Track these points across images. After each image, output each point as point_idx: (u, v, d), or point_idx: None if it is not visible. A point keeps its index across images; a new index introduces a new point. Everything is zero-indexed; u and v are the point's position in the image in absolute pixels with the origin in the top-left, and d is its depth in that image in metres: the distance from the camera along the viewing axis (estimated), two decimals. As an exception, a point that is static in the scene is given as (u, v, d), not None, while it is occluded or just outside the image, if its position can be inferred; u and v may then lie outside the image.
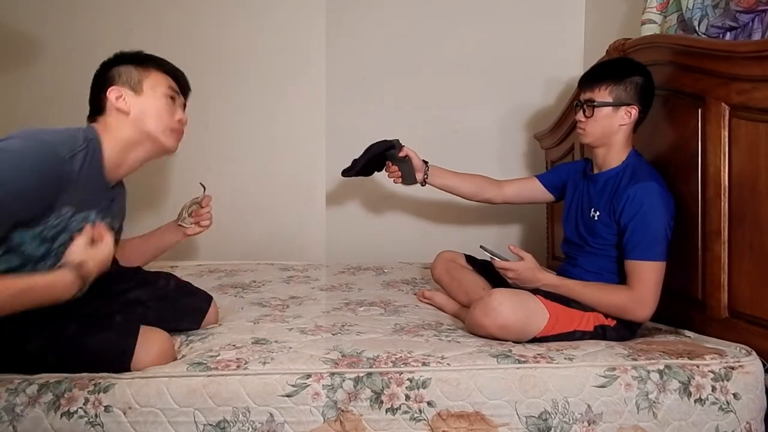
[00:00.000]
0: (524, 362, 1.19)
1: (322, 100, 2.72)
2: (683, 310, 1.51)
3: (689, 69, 1.49)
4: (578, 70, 2.28)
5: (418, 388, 1.13)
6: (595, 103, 1.54)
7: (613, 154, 1.58)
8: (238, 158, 2.78)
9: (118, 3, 2.77)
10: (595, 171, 1.64)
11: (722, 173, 1.37)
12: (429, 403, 1.13)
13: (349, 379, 1.14)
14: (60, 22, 2.77)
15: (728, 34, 1.63)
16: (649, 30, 1.89)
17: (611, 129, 1.55)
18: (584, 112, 1.57)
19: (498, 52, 2.69)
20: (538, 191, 1.86)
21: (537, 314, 1.38)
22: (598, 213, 1.55)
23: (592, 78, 1.58)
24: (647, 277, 1.40)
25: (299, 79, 2.72)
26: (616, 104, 1.53)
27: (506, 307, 1.36)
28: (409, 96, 2.72)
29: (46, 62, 2.78)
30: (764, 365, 1.23)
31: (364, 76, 2.71)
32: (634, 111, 1.53)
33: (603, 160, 1.60)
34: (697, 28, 1.68)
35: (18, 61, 2.79)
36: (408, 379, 1.14)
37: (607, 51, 1.89)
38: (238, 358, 1.20)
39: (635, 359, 1.22)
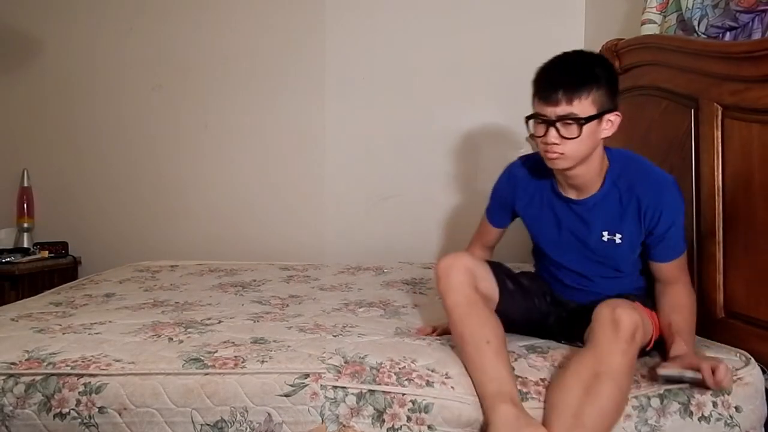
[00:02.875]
0: (526, 393, 1.15)
1: (322, 100, 2.73)
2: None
3: (682, 69, 1.49)
4: (578, 70, 2.28)
5: (420, 412, 1.12)
6: (582, 120, 1.21)
7: (594, 168, 1.31)
8: (238, 158, 2.79)
9: (117, 3, 2.77)
10: (576, 197, 1.36)
11: (716, 174, 1.37)
12: (429, 427, 1.12)
13: (352, 394, 1.14)
14: (60, 21, 2.78)
15: (728, 34, 1.62)
16: (649, 30, 1.89)
17: (595, 145, 1.27)
18: (558, 131, 1.23)
19: (498, 52, 2.69)
20: (497, 234, 1.58)
21: (648, 324, 1.23)
22: (619, 235, 1.32)
23: (569, 85, 1.22)
24: (683, 264, 1.33)
25: (299, 79, 2.72)
26: (602, 114, 1.24)
27: (633, 320, 1.14)
28: (408, 96, 2.72)
29: (46, 62, 2.78)
30: (763, 371, 1.22)
31: (364, 76, 2.71)
32: (616, 118, 1.27)
33: (583, 181, 1.32)
34: (696, 28, 1.67)
35: (18, 61, 2.79)
36: (411, 401, 1.13)
37: (600, 51, 1.88)
38: (236, 356, 1.20)
39: (637, 387, 1.16)
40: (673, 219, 1.28)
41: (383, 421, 1.12)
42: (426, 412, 1.12)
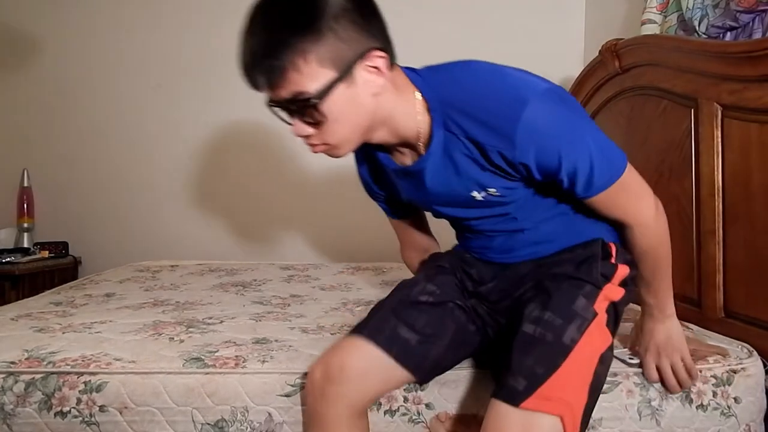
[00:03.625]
0: None
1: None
2: (679, 310, 1.51)
3: (681, 69, 1.49)
4: (578, 70, 2.28)
5: (416, 390, 1.13)
6: (313, 99, 0.83)
7: (403, 122, 0.93)
8: (238, 157, 2.79)
9: (117, 3, 2.77)
10: (410, 162, 1.00)
11: (716, 173, 1.38)
12: (427, 405, 1.12)
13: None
14: (60, 21, 2.78)
15: (728, 34, 1.63)
16: (649, 30, 1.90)
17: (371, 107, 0.88)
18: (303, 118, 0.87)
19: (498, 52, 2.68)
20: (408, 226, 1.31)
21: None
22: (492, 189, 0.96)
23: (267, 55, 0.81)
24: (629, 190, 0.95)
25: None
26: (346, 71, 0.83)
27: None
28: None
29: (46, 62, 2.79)
30: (765, 365, 1.22)
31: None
32: (379, 59, 0.86)
33: (404, 140, 0.96)
34: (697, 28, 1.68)
35: (18, 61, 2.79)
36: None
37: (599, 52, 1.88)
38: (236, 356, 1.20)
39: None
40: (556, 155, 0.86)
41: (380, 404, 1.12)
42: (422, 390, 1.12)
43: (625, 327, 1.24)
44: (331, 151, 0.92)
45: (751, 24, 1.56)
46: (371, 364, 1.00)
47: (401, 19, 2.70)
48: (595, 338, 0.91)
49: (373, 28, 0.86)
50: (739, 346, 1.26)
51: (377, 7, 0.88)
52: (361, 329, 1.04)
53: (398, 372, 1.03)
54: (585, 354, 0.89)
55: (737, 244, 1.33)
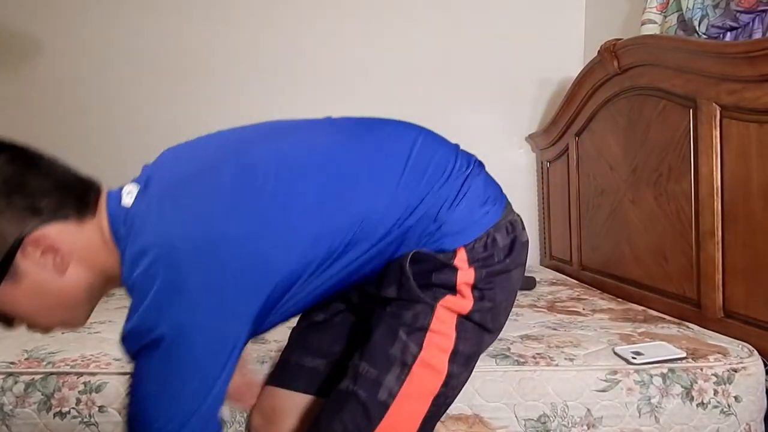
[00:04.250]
0: (523, 363, 1.17)
1: (318, 100, 2.73)
2: (679, 310, 1.51)
3: (680, 69, 1.49)
4: (578, 70, 2.28)
5: None
6: None
7: (111, 263, 0.77)
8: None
9: (118, 3, 2.77)
10: None
11: (715, 173, 1.38)
12: None
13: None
14: (60, 22, 2.78)
15: (728, 34, 1.63)
16: (649, 30, 1.89)
17: (65, 290, 0.75)
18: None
19: (497, 52, 2.69)
20: None
21: None
22: None
23: None
24: None
25: (299, 78, 2.72)
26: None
27: None
28: (405, 95, 2.72)
29: (46, 62, 2.78)
30: (765, 364, 1.22)
31: (363, 75, 2.72)
32: (45, 239, 0.71)
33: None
34: (697, 28, 1.68)
35: (18, 61, 2.79)
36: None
37: (598, 52, 1.88)
38: (235, 356, 1.20)
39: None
40: None
41: None
42: None
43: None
44: (65, 329, 0.82)
45: (751, 24, 1.56)
46: (286, 406, 1.00)
47: (400, 20, 2.71)
48: (421, 383, 0.78)
49: (26, 202, 0.70)
50: (740, 345, 1.26)
51: (36, 162, 0.75)
52: (271, 376, 1.06)
53: (318, 402, 0.98)
54: (406, 408, 0.78)
55: (736, 244, 1.33)
